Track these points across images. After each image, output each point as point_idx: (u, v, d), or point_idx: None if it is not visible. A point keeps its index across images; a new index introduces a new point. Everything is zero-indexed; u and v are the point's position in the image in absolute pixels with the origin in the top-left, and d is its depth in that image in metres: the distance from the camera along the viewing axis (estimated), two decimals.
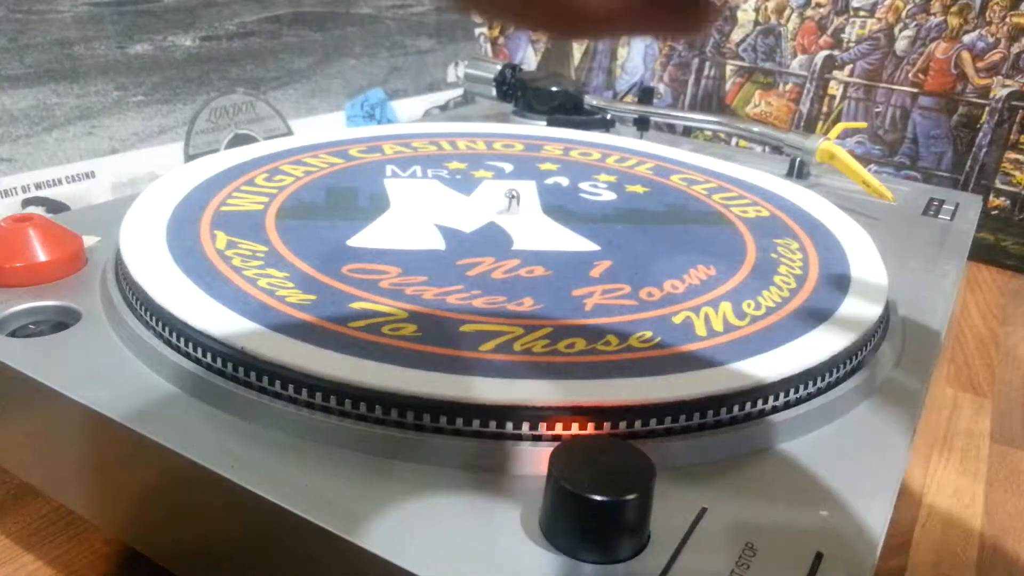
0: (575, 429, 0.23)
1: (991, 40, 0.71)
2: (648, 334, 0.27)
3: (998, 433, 0.45)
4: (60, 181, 0.53)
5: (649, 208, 0.41)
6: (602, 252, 0.35)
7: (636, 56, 0.89)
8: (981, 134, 0.73)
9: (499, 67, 0.66)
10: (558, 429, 0.23)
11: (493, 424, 0.23)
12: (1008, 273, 0.73)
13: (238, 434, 0.24)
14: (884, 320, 0.32)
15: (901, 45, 0.75)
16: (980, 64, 0.72)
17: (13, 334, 0.29)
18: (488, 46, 0.88)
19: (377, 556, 0.20)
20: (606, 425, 0.23)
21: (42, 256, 0.32)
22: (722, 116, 0.66)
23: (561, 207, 0.40)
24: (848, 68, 0.78)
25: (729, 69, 0.84)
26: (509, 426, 0.23)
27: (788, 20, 0.80)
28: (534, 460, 0.23)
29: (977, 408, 0.48)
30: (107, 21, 0.56)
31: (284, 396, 0.24)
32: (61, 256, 0.32)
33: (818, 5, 0.78)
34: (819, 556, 0.21)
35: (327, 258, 0.32)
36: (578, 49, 0.92)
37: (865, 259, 0.36)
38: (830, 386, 0.27)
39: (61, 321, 0.30)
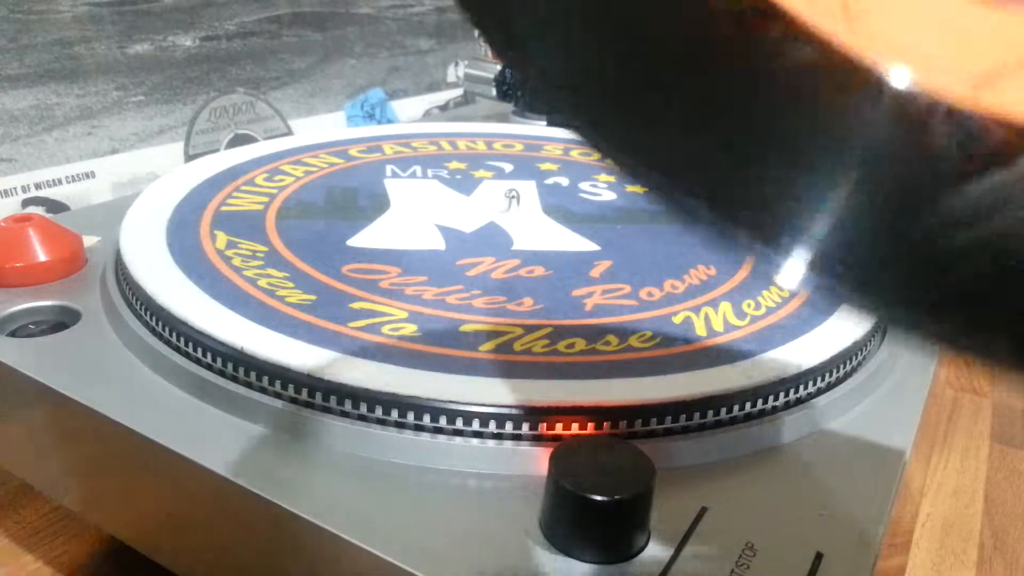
0: (575, 429, 0.23)
1: None
2: (648, 334, 0.27)
3: (998, 433, 0.45)
4: (60, 181, 0.53)
5: (649, 208, 0.41)
6: (602, 252, 0.35)
7: None
8: None
9: (499, 67, 0.66)
10: (558, 429, 0.23)
11: (493, 424, 0.23)
12: None
13: (238, 434, 0.24)
14: None
15: None
16: None
17: (13, 334, 0.29)
18: (488, 46, 0.88)
19: (378, 556, 0.20)
20: (606, 425, 0.23)
21: (42, 256, 0.32)
22: None
23: (561, 207, 0.40)
24: None
25: None
26: (509, 426, 0.23)
27: None
28: (534, 460, 0.23)
29: (977, 408, 0.48)
30: (107, 21, 0.56)
31: (284, 396, 0.24)
32: (61, 256, 0.32)
33: None
34: (819, 556, 0.21)
35: (327, 258, 0.32)
36: None
37: None
38: (830, 386, 0.27)
39: (61, 321, 0.30)
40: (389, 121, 0.72)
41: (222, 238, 0.33)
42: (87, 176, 0.55)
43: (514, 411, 0.23)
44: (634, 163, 0.10)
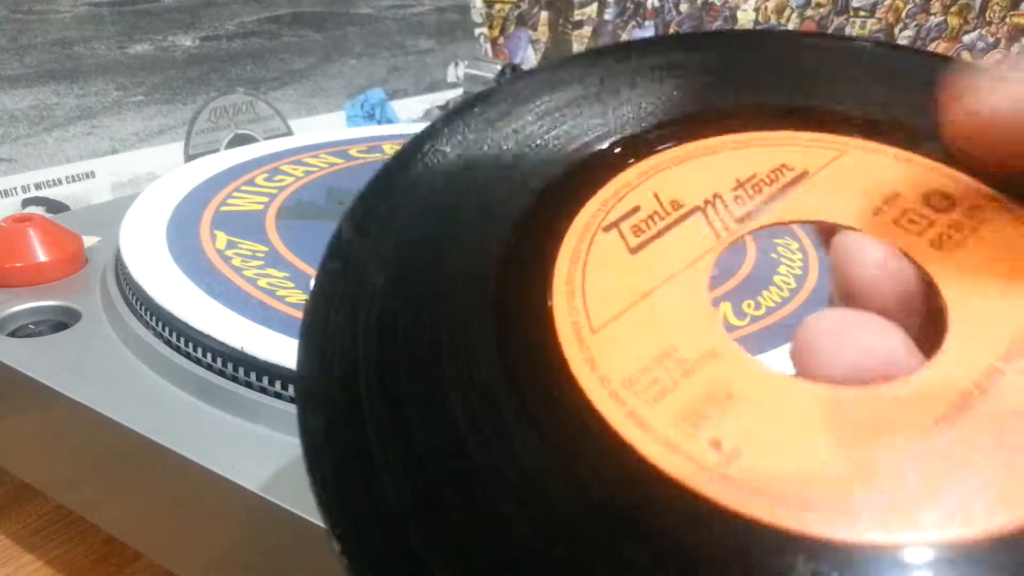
0: None
1: (991, 40, 0.71)
2: None
3: None
4: (60, 181, 0.53)
5: None
6: None
7: None
8: None
9: (499, 67, 0.66)
10: None
11: None
12: None
13: (238, 434, 0.24)
14: None
15: None
16: None
17: (13, 334, 0.29)
18: (488, 46, 0.88)
19: None
20: None
21: (42, 256, 0.32)
22: None
23: None
24: None
25: None
26: None
27: (788, 20, 0.80)
28: None
29: None
30: (107, 21, 0.56)
31: (284, 396, 0.24)
32: (61, 256, 0.32)
33: (818, 5, 0.78)
34: None
35: None
36: (578, 48, 0.92)
37: None
38: None
39: (61, 321, 0.30)
40: (389, 121, 0.72)
41: (222, 238, 0.33)
42: (87, 176, 0.55)
43: None
44: None
